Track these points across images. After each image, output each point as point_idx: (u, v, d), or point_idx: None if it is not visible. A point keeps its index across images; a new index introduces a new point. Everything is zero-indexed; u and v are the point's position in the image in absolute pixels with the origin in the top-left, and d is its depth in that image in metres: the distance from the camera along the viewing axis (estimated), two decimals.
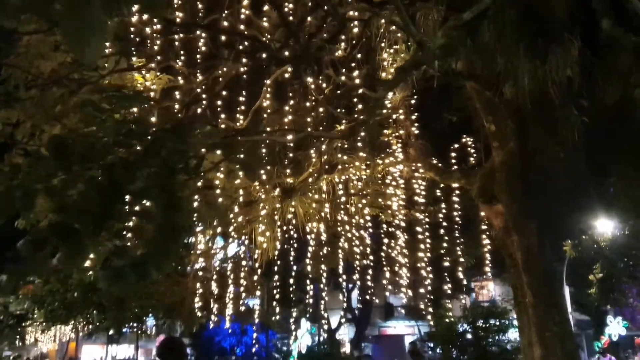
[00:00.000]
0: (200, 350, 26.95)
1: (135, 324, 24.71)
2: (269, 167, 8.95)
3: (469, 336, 13.41)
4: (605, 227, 17.94)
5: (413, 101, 9.89)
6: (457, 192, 11.58)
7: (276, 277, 12.76)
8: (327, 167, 10.02)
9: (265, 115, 9.00)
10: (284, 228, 11.01)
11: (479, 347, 13.01)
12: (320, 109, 8.44)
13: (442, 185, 11.37)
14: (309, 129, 8.36)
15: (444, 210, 11.79)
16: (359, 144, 9.07)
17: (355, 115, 8.40)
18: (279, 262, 12.21)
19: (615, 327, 20.82)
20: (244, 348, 25.25)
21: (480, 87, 8.47)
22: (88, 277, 13.24)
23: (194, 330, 18.82)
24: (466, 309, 13.81)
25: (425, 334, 27.96)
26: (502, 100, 8.67)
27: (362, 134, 8.93)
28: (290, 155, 9.06)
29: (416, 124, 10.05)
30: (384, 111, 8.86)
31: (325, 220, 10.54)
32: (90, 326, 20.88)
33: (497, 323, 13.21)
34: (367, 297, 29.71)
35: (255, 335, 24.40)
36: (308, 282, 13.30)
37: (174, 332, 35.14)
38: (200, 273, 11.76)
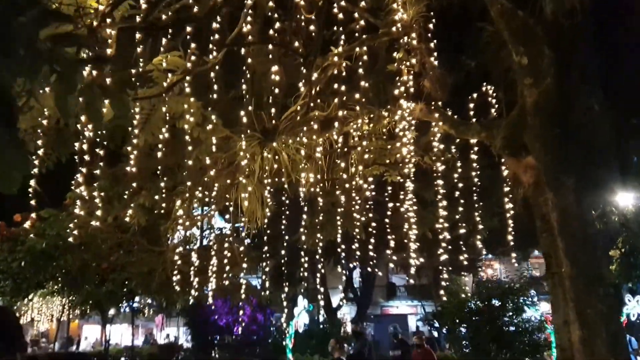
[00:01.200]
0: (195, 330, 25.44)
1: (128, 303, 23.22)
2: (250, 108, 7.24)
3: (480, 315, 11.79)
4: (625, 200, 16.25)
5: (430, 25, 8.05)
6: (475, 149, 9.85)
7: (266, 249, 11.01)
8: (322, 121, 8.31)
9: (245, 50, 7.27)
10: (271, 186, 9.33)
11: (494, 326, 11.38)
12: (312, 28, 6.67)
13: (457, 140, 9.65)
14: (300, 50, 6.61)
15: (459, 170, 10.06)
16: (362, 83, 7.26)
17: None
18: (269, 232, 10.50)
19: (635, 307, 19.13)
20: (240, 327, 23.69)
21: (512, 5, 6.72)
22: (39, 242, 11.79)
23: (177, 306, 17.09)
24: (481, 286, 12.14)
25: (430, 313, 26.47)
26: (540, 22, 6.98)
27: (365, 57, 7.15)
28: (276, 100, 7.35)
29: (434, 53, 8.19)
30: (392, 29, 7.14)
31: (319, 174, 8.82)
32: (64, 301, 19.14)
33: (515, 301, 11.56)
34: (369, 273, 28.16)
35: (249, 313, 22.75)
36: (303, 254, 11.62)
37: (171, 311, 33.84)
38: (180, 248, 10.13)
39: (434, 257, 21.03)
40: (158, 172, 9.74)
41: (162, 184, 9.76)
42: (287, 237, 11.16)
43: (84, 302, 18.75)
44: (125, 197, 9.37)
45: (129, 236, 10.32)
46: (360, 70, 7.08)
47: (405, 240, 10.93)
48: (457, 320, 12.09)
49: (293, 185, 10.81)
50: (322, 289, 19.07)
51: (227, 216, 10.11)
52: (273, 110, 7.25)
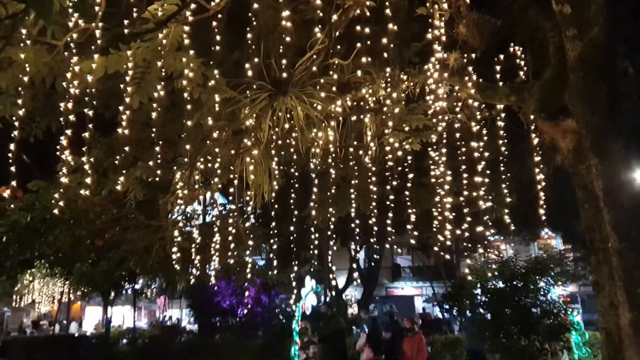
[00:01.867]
0: (198, 311, 24.76)
1: (128, 284, 22.50)
2: (256, 60, 6.37)
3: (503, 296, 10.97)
4: None
5: None
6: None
7: (274, 225, 10.20)
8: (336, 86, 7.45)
9: None
10: (281, 154, 8.51)
11: (517, 308, 10.58)
12: None
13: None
14: None
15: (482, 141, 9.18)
16: (390, 26, 6.27)
17: None
18: (276, 207, 9.69)
19: None
20: (245, 309, 23.00)
21: None
22: (23, 217, 10.93)
23: (177, 287, 16.24)
24: (502, 264, 11.29)
25: (440, 294, 25.73)
26: None
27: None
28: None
29: None
30: None
31: (332, 143, 7.99)
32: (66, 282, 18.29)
33: (539, 281, 10.74)
34: (376, 255, 27.44)
35: (254, 294, 22.00)
36: (313, 230, 10.80)
37: (174, 293, 33.20)
38: (180, 223, 9.31)
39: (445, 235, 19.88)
40: (156, 141, 8.93)
41: (160, 154, 8.96)
42: (296, 213, 10.35)
43: (79, 282, 17.93)
44: (121, 167, 8.53)
45: (126, 211, 9.50)
46: (388, 11, 6.17)
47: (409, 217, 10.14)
48: (480, 301, 11.30)
49: (302, 157, 9.99)
50: (334, 268, 18.26)
51: (230, 190, 9.23)
52: (284, 61, 6.36)
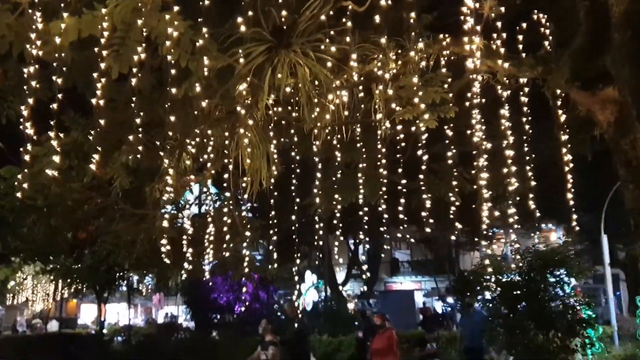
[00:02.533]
0: (195, 308, 23.83)
1: (120, 281, 21.51)
2: (251, 13, 5.44)
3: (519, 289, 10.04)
4: None
5: None
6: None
7: (273, 214, 9.28)
8: (339, 59, 6.54)
9: None
10: (279, 131, 7.61)
11: (534, 302, 9.67)
12: None
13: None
14: None
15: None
16: None
17: None
18: (276, 194, 8.79)
19: None
20: (242, 305, 22.10)
21: None
22: None
23: (169, 283, 15.20)
24: (519, 255, 10.35)
25: (445, 289, 24.95)
26: None
27: None
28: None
29: None
30: None
31: (337, 122, 7.09)
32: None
33: (558, 273, 9.83)
34: (377, 248, 26.58)
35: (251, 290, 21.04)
36: (317, 219, 9.87)
37: (170, 289, 32.28)
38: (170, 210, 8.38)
39: (451, 228, 18.96)
40: (141, 122, 8.01)
41: (146, 137, 8.05)
42: (297, 201, 9.44)
43: (63, 278, 16.89)
44: (99, 150, 7.59)
45: (111, 200, 8.57)
46: None
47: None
48: (496, 295, 10.37)
49: (304, 140, 9.07)
50: (340, 260, 17.32)
51: (225, 176, 8.31)
52: (284, 13, 5.41)
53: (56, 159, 6.41)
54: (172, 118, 7.82)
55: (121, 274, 18.77)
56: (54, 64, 6.61)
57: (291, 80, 5.93)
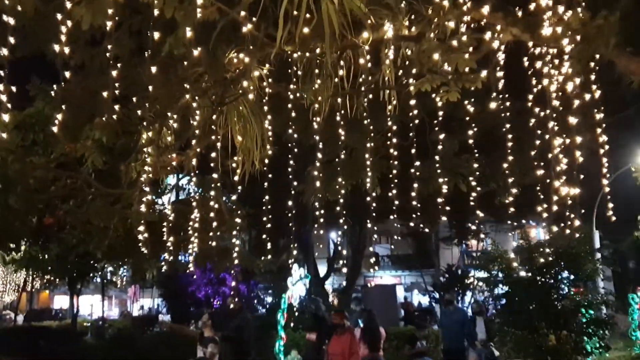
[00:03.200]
0: (171, 302, 22.75)
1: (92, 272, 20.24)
2: None
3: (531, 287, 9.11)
4: None
5: None
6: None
7: (266, 199, 8.27)
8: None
9: None
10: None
11: (544, 301, 8.80)
12: None
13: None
14: None
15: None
16: None
17: None
18: (270, 177, 7.81)
19: None
20: (222, 300, 21.07)
21: None
22: None
23: (146, 276, 14.04)
24: (531, 250, 9.39)
25: (432, 284, 24.15)
26: None
27: None
28: None
29: None
30: None
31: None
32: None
33: (573, 270, 8.93)
34: (360, 242, 25.66)
35: (234, 284, 19.94)
36: (317, 205, 8.86)
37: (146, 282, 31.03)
38: (148, 195, 7.30)
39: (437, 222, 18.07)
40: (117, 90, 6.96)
41: (122, 111, 7.01)
42: (294, 184, 8.44)
43: (27, 268, 15.57)
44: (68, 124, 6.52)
45: (82, 181, 7.46)
46: None
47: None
48: (505, 293, 9.45)
49: (301, 119, 8.06)
50: (317, 254, 16.31)
51: (213, 155, 7.30)
52: None
53: (3, 135, 5.31)
54: (152, 87, 6.81)
55: (94, 264, 17.46)
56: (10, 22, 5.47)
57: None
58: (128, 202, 7.46)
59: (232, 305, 11.01)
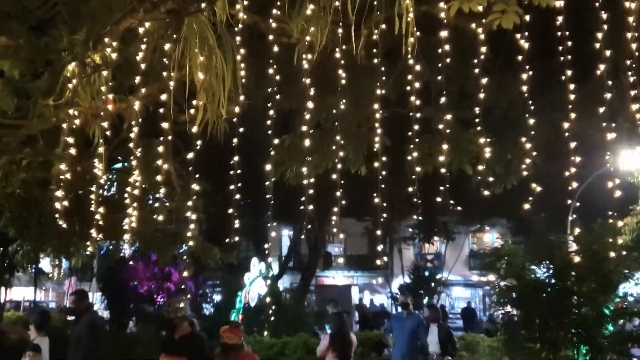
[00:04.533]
0: (110, 296, 20.29)
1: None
2: None
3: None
4: None
5: None
6: None
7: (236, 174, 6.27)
8: None
9: None
10: None
11: (565, 310, 7.05)
12: None
13: None
14: None
15: None
16: None
17: None
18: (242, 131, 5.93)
19: None
20: (167, 296, 18.85)
21: None
22: None
23: (72, 262, 11.56)
24: (555, 248, 7.47)
25: (402, 286, 22.41)
26: None
27: None
28: None
29: None
30: None
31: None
32: None
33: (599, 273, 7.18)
34: (317, 239, 23.88)
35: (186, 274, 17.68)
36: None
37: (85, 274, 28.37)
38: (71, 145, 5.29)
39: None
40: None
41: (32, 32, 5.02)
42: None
43: None
44: None
45: None
46: None
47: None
48: (517, 297, 7.65)
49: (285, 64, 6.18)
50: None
51: (164, 97, 5.35)
52: None
53: None
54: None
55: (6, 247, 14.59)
56: None
57: None
58: (44, 160, 5.41)
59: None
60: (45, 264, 25.68)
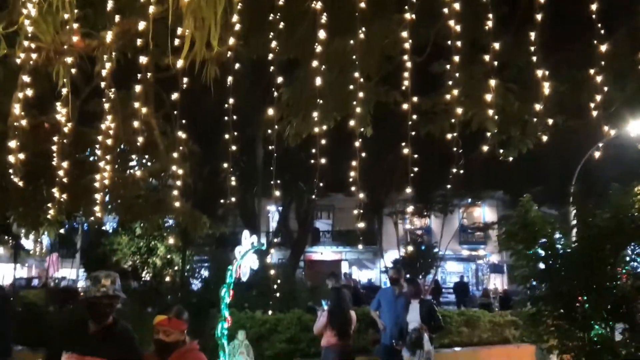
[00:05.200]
0: (92, 271, 19.43)
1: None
2: None
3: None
4: None
5: None
6: None
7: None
8: None
9: None
10: None
11: (594, 281, 6.25)
12: None
13: None
14: None
15: None
16: None
17: None
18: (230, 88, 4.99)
19: None
20: (152, 273, 18.05)
21: None
22: None
23: (41, 233, 10.40)
24: (589, 219, 6.69)
25: (395, 261, 21.69)
26: None
27: None
28: None
29: None
30: None
31: None
32: None
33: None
34: (308, 213, 23.09)
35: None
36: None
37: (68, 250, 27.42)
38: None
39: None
40: None
41: None
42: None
43: None
44: None
45: None
46: None
47: None
48: (543, 270, 6.85)
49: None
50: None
51: (141, 28, 4.36)
52: None
53: None
54: None
55: None
56: None
57: None
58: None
59: None
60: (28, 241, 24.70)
